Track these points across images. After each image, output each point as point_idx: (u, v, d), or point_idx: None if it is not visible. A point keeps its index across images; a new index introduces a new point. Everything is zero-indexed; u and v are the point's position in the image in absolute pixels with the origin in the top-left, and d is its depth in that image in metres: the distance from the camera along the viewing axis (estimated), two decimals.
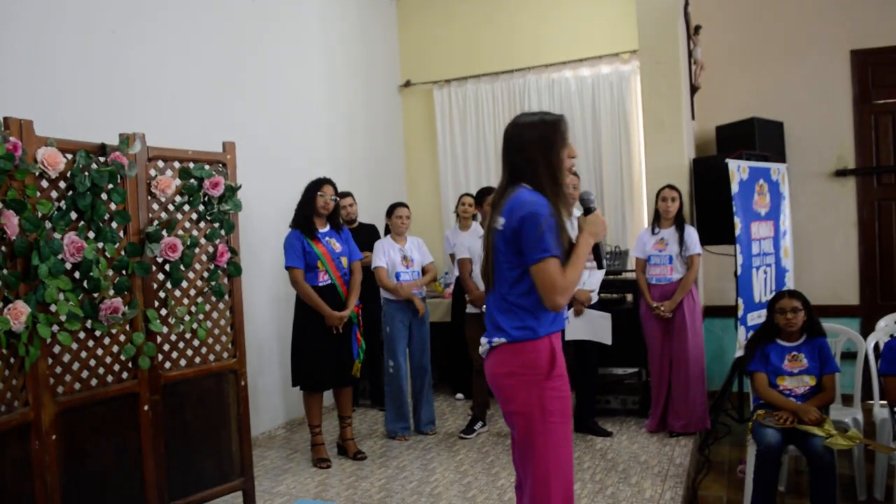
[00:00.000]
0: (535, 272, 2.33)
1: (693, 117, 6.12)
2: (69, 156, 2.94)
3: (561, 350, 2.47)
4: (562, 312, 2.46)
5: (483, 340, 2.51)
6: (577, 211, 5.01)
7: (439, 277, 6.92)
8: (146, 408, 3.25)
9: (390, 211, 5.24)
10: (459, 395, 6.31)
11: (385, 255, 5.08)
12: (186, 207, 3.49)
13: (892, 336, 4.27)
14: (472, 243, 5.07)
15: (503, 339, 2.42)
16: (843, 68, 6.13)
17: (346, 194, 5.76)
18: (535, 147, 2.43)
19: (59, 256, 2.85)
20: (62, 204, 2.92)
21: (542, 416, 2.38)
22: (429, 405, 5.26)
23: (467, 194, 6.29)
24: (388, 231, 5.31)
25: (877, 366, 4.08)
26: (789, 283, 5.51)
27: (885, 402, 3.94)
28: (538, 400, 2.38)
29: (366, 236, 5.70)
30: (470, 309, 5.10)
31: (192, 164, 3.51)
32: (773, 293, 4.65)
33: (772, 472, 3.59)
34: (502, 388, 2.45)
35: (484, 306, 4.92)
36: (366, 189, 6.68)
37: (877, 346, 4.34)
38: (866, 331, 5.14)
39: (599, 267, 2.49)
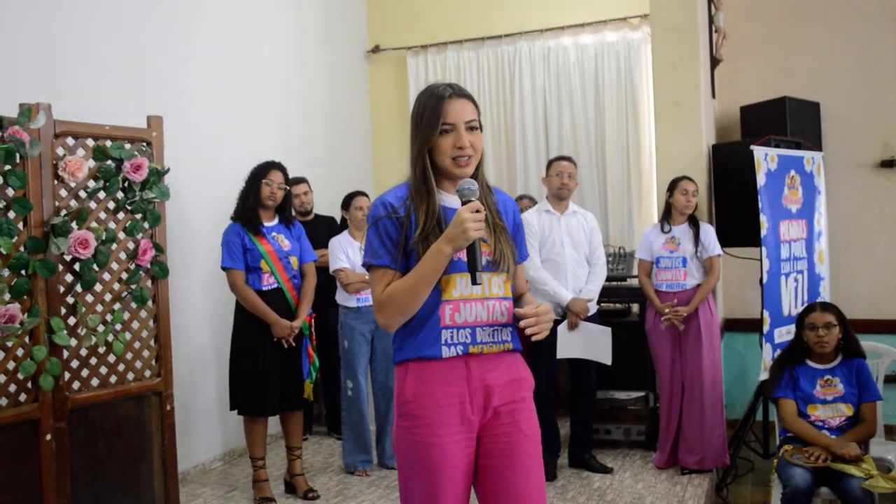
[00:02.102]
0: None
1: (713, 95, 6.12)
2: None
3: (427, 382, 2.26)
4: (428, 335, 2.27)
5: None
6: (576, 211, 5.03)
7: None
8: (48, 437, 3.20)
9: (347, 202, 5.20)
10: None
11: (345, 254, 5.03)
12: (102, 195, 3.44)
13: None
14: None
15: None
16: (892, 41, 6.15)
17: (300, 181, 5.71)
18: (414, 125, 2.32)
19: None
20: None
21: (397, 454, 2.35)
22: None
23: None
24: (344, 225, 5.26)
25: None
26: (824, 294, 5.53)
27: None
28: (394, 435, 2.36)
29: (323, 231, 5.66)
30: None
31: (109, 143, 3.45)
32: (805, 305, 4.66)
33: None
34: None
35: None
36: (324, 175, 6.63)
37: None
38: None
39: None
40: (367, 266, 2.31)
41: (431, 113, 2.25)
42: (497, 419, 2.30)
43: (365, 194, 5.25)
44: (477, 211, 2.14)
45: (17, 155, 3.07)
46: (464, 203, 2.19)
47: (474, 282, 2.19)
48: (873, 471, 3.54)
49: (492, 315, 2.31)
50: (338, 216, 5.97)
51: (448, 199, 2.31)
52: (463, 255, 2.21)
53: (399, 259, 2.25)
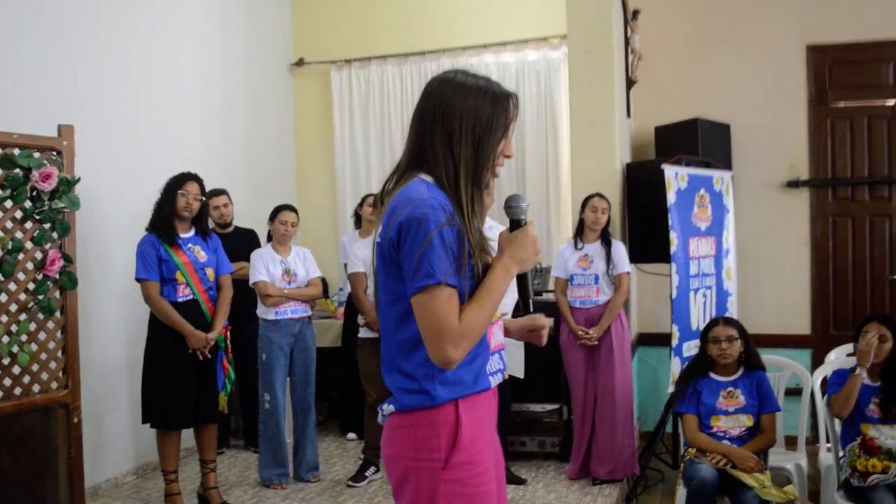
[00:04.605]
0: (416, 308, 1.90)
1: (629, 115, 6.26)
2: None
3: (478, 420, 2.01)
4: (482, 365, 2.02)
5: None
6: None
7: (332, 294, 6.88)
8: None
9: (274, 214, 5.17)
10: (351, 435, 6.27)
11: (265, 267, 5.02)
12: (8, 203, 3.39)
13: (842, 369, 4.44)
14: (367, 253, 5.06)
15: (391, 408, 2.02)
16: (799, 65, 6.37)
17: (220, 192, 5.68)
18: (465, 121, 1.96)
19: None
20: None
21: None
22: (312, 447, 5.21)
23: (372, 194, 6.25)
24: (269, 238, 5.25)
25: (823, 401, 4.23)
26: (732, 309, 5.69)
27: (830, 445, 4.12)
28: (429, 497, 1.95)
29: (243, 243, 5.64)
30: (363, 333, 5.08)
31: (17, 151, 3.40)
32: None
33: None
34: (390, 474, 2.06)
35: None
36: (246, 187, 6.59)
37: (825, 380, 4.51)
38: (818, 364, 5.34)
39: (525, 310, 2.07)
40: (432, 286, 1.86)
41: (503, 112, 2.01)
42: (497, 454, 2.15)
43: (294, 210, 5.22)
44: None
45: None
46: (515, 220, 2.05)
47: (529, 310, 2.07)
48: (767, 482, 3.67)
49: (503, 337, 2.18)
50: (258, 228, 5.95)
51: None
52: None
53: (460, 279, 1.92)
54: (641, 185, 5.52)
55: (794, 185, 6.34)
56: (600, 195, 5.06)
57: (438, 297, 1.85)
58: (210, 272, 4.57)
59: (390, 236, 1.93)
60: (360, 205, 6.20)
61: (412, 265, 1.87)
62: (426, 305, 1.86)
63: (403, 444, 1.98)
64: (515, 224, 2.05)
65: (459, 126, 1.96)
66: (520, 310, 2.07)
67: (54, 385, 3.53)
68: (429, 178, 1.99)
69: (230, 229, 5.77)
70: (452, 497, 1.94)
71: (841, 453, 3.87)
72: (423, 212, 1.87)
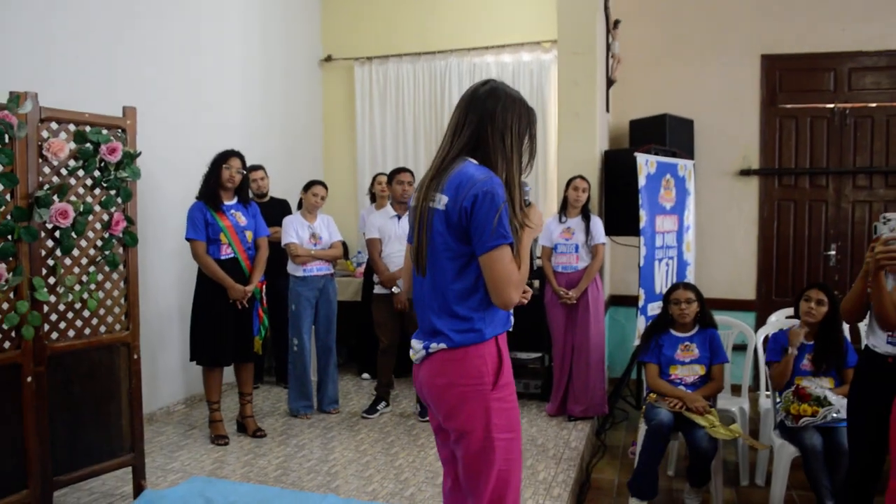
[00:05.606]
0: (489, 262, 2.02)
1: (608, 110, 6.22)
2: None
3: (508, 353, 2.19)
4: (510, 310, 2.16)
5: (416, 345, 2.19)
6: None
7: (352, 256, 6.89)
8: (29, 379, 3.14)
9: (308, 186, 5.15)
10: (365, 375, 6.31)
11: (295, 231, 5.02)
12: (81, 173, 3.36)
13: (780, 329, 4.45)
14: (382, 223, 5.07)
15: (443, 345, 2.10)
16: (754, 72, 6.34)
17: (258, 167, 5.66)
18: (513, 126, 2.13)
19: None
20: None
21: (487, 432, 2.10)
22: (333, 384, 5.24)
23: (382, 173, 6.26)
24: (300, 206, 5.24)
25: (764, 356, 4.25)
26: (690, 277, 5.69)
27: (769, 393, 4.14)
28: (483, 414, 2.09)
29: (277, 211, 5.63)
30: (378, 289, 5.10)
31: (88, 128, 3.38)
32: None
33: (660, 447, 3.73)
34: (440, 401, 2.15)
35: (394, 288, 4.97)
36: (280, 163, 6.57)
37: (766, 339, 4.52)
38: (761, 324, 5.35)
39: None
40: (504, 245, 2.02)
41: (534, 122, 2.21)
42: None
43: (324, 185, 5.19)
44: None
45: (6, 136, 2.99)
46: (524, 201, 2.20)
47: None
48: (716, 422, 3.69)
49: None
50: (291, 199, 5.95)
51: None
52: None
53: None
54: (617, 169, 5.49)
55: (746, 173, 6.33)
56: (582, 177, 5.04)
57: (507, 254, 2.02)
58: (249, 234, 4.56)
59: (464, 205, 2.03)
60: (372, 183, 6.21)
61: (490, 228, 2.00)
62: (499, 260, 2.01)
63: (457, 373, 2.10)
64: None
65: (510, 129, 2.12)
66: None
67: (118, 327, 3.54)
68: (476, 162, 2.12)
69: (266, 199, 5.76)
70: (499, 411, 2.11)
71: (777, 399, 3.88)
72: (493, 187, 2.02)
